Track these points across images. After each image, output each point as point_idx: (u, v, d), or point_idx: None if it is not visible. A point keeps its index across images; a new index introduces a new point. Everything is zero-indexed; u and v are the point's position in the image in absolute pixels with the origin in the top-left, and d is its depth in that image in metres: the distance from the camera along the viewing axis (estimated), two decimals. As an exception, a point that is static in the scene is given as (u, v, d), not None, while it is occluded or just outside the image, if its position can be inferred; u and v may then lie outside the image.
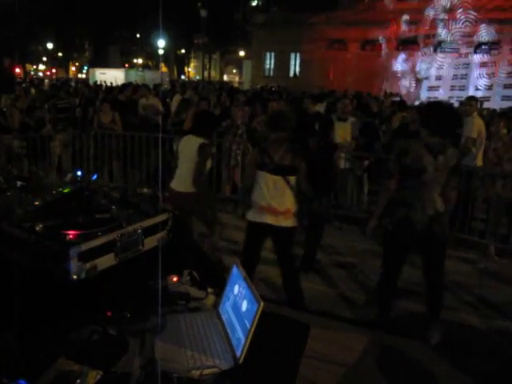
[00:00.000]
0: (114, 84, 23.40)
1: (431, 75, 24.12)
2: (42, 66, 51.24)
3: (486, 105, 17.55)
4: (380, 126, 8.08)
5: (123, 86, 10.00)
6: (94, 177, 2.69)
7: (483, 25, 22.04)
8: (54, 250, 1.85)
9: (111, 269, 1.96)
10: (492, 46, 22.06)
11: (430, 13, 23.58)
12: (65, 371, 1.45)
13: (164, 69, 43.79)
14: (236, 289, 1.69)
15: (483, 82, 22.56)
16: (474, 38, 22.52)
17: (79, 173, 2.52)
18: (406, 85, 24.38)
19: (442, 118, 3.34)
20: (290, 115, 3.91)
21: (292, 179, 3.61)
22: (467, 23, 22.63)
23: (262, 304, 1.48)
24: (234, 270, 1.75)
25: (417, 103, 16.00)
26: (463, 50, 23.04)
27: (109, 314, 1.77)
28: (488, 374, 3.23)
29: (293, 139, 3.72)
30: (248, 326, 1.51)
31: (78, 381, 1.39)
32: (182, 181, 4.30)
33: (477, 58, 22.62)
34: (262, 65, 31.06)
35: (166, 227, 2.21)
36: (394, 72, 24.94)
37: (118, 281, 1.96)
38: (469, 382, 3.06)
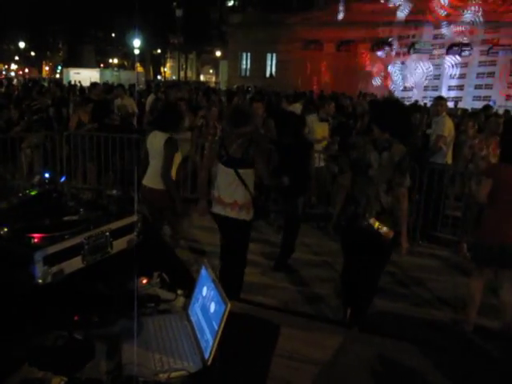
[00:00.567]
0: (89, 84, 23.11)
1: (405, 76, 24.52)
2: (14, 66, 50.12)
3: (458, 105, 17.95)
4: (355, 126, 8.19)
5: (92, 85, 9.85)
6: (63, 179, 2.64)
7: (455, 27, 22.50)
8: (18, 253, 1.81)
9: (79, 272, 1.93)
10: (463, 47, 22.54)
11: (403, 14, 23.95)
12: (28, 379, 1.42)
13: (140, 69, 43.37)
14: (204, 290, 1.68)
15: (455, 83, 23.04)
16: (446, 39, 22.97)
17: (47, 175, 2.47)
18: (380, 85, 24.70)
19: (392, 115, 3.35)
20: (250, 111, 4.01)
21: (244, 172, 3.63)
22: (440, 25, 23.07)
23: (229, 305, 1.47)
24: (203, 271, 1.74)
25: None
26: (436, 52, 23.49)
27: (76, 318, 1.74)
28: (462, 370, 3.29)
29: (253, 134, 3.77)
30: (216, 327, 1.50)
31: (41, 388, 1.37)
32: (152, 177, 4.30)
33: (449, 59, 23.09)
34: (239, 65, 31.03)
35: (135, 229, 2.18)
36: (368, 72, 25.24)
37: (85, 284, 1.92)
38: (443, 378, 3.12)
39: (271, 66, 29.84)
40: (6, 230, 1.89)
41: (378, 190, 3.25)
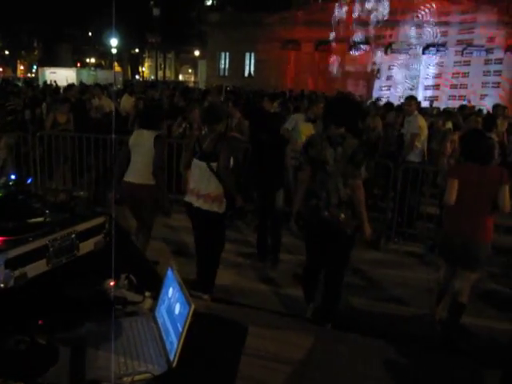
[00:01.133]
0: (66, 84, 22.76)
1: (382, 75, 24.80)
2: (-13, 65, 49.01)
3: (434, 104, 18.23)
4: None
5: (68, 86, 9.73)
6: (29, 180, 2.59)
7: (430, 27, 22.85)
8: (-21, 257, 1.76)
9: (43, 275, 1.89)
10: (439, 47, 22.90)
11: (380, 14, 24.21)
12: (-14, 385, 1.39)
13: (117, 68, 42.90)
14: (170, 292, 1.67)
15: (431, 82, 23.41)
16: (422, 39, 23.32)
17: (13, 176, 2.42)
18: (358, 84, 24.93)
19: (345, 111, 3.50)
20: (224, 110, 4.25)
21: (215, 165, 3.77)
22: (416, 25, 23.40)
23: (193, 306, 1.46)
24: (169, 272, 1.73)
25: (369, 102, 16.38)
26: (412, 51, 23.81)
27: (39, 322, 1.71)
28: (432, 363, 3.35)
29: (225, 130, 4.01)
30: (180, 329, 1.49)
31: (-1, 395, 1.33)
32: (138, 174, 4.35)
33: (425, 59, 23.44)
34: (217, 65, 30.94)
35: (102, 230, 2.15)
36: (346, 72, 25.45)
37: (50, 287, 1.89)
38: (416, 371, 3.17)
39: (250, 65, 29.84)
40: (-33, 233, 1.84)
41: (336, 184, 3.39)
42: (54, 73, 31.87)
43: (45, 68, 34.06)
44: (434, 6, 22.59)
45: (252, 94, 12.45)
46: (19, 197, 2.22)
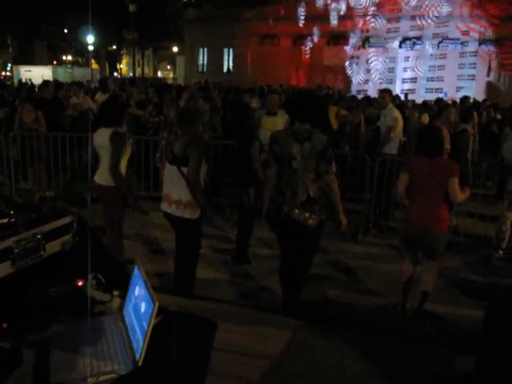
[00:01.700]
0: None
1: (360, 69, 24.95)
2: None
3: (412, 97, 18.41)
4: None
5: (43, 83, 9.57)
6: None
7: (406, 21, 23.05)
8: None
9: (8, 277, 1.86)
10: (415, 40, 23.12)
11: (357, 8, 24.32)
12: None
13: (95, 66, 42.27)
14: (137, 290, 1.66)
15: (408, 76, 23.65)
16: (399, 33, 23.51)
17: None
18: (336, 78, 25.03)
19: (307, 106, 3.43)
20: (198, 112, 4.04)
21: (186, 170, 3.66)
22: (393, 19, 23.57)
23: (156, 304, 1.46)
24: (136, 271, 1.71)
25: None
26: (389, 45, 23.99)
27: (4, 325, 1.68)
28: (404, 353, 3.39)
29: (199, 133, 3.84)
30: (146, 327, 1.48)
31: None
32: (101, 174, 4.30)
33: (401, 52, 23.65)
34: (196, 60, 30.70)
35: (70, 230, 2.12)
36: (325, 66, 25.52)
37: (16, 290, 1.86)
38: (389, 362, 3.20)
39: (228, 61, 29.69)
40: None
41: (304, 179, 3.35)
42: (30, 71, 31.32)
43: (20, 66, 33.40)
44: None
45: (228, 89, 12.35)
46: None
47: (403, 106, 9.21)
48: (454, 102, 9.48)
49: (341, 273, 4.85)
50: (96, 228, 3.71)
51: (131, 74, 44.32)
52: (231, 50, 29.19)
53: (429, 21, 22.26)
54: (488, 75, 21.48)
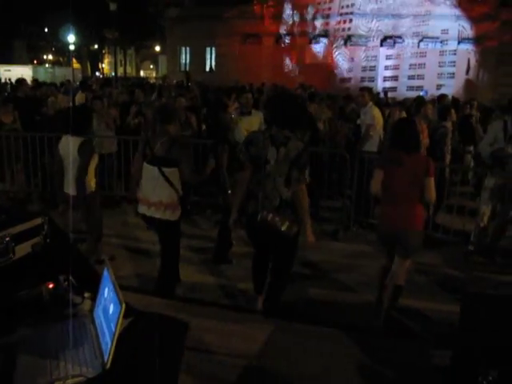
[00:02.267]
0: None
1: (342, 67, 25.09)
2: None
3: (393, 95, 18.58)
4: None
5: (17, 81, 9.44)
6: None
7: (387, 20, 23.25)
8: None
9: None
10: (396, 39, 23.34)
11: (338, 7, 24.46)
12: None
13: (76, 65, 41.75)
14: (106, 292, 1.64)
15: (389, 74, 23.87)
16: (380, 31, 23.69)
17: None
18: (319, 77, 25.10)
19: (287, 112, 3.34)
20: (176, 110, 4.07)
21: (168, 171, 3.60)
22: (373, 18, 23.75)
23: (123, 306, 1.44)
24: (105, 272, 1.69)
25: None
26: (371, 44, 24.17)
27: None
28: (385, 350, 3.41)
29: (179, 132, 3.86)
30: (113, 329, 1.46)
31: None
32: (70, 184, 4.25)
33: (383, 50, 23.85)
34: (178, 60, 30.51)
35: (41, 232, 2.08)
36: (307, 65, 25.61)
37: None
38: (368, 360, 3.22)
39: (211, 60, 29.58)
40: None
41: (276, 184, 3.26)
42: (9, 70, 30.80)
43: (-1, 66, 32.86)
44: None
45: (206, 88, 12.28)
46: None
47: (387, 105, 9.21)
48: (434, 100, 9.58)
49: (321, 271, 4.87)
50: (76, 231, 3.69)
51: (113, 74, 43.92)
52: (213, 49, 29.10)
53: (409, 19, 22.48)
54: (467, 73, 21.77)
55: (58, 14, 32.77)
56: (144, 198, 3.71)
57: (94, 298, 1.83)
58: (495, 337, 2.60)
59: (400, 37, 23.12)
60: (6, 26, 38.31)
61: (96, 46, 46.52)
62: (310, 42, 25.59)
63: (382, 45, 23.76)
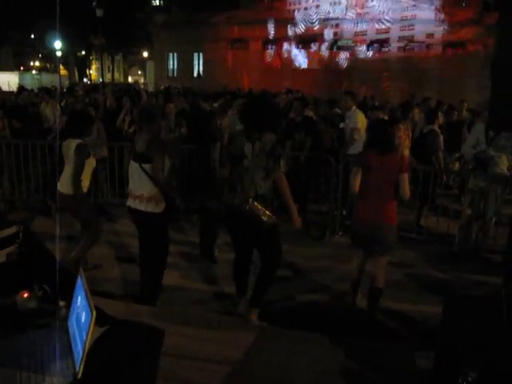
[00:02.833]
0: (8, 89, 21.97)
1: (329, 71, 25.20)
2: None
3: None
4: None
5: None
6: None
7: (373, 24, 23.45)
8: None
9: None
10: (382, 44, 23.54)
11: (324, 12, 24.63)
12: None
13: (64, 71, 41.53)
14: (79, 300, 1.62)
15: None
16: (366, 36, 23.88)
17: None
18: (306, 82, 25.20)
19: (260, 118, 3.51)
20: (156, 111, 4.16)
21: (147, 167, 3.78)
22: (358, 22, 23.95)
23: (94, 314, 1.43)
24: (79, 280, 1.68)
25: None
26: (357, 48, 24.33)
27: None
28: (360, 353, 3.42)
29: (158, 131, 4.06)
30: (85, 337, 1.45)
31: None
32: (64, 182, 4.45)
33: (369, 55, 24.02)
34: (165, 65, 30.48)
35: (16, 241, 2.06)
36: (294, 69, 25.72)
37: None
38: (348, 363, 3.22)
39: (198, 65, 29.59)
40: None
41: (254, 177, 3.47)
42: (-5, 77, 30.54)
43: (-16, 72, 32.57)
44: (375, 3, 23.19)
45: (195, 95, 12.28)
46: None
47: (375, 108, 9.22)
48: (418, 104, 9.69)
49: (306, 274, 4.87)
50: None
51: (101, 80, 43.74)
52: (201, 55, 29.13)
53: (395, 24, 22.69)
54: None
55: (44, 21, 32.59)
56: (130, 192, 3.93)
57: (68, 307, 1.81)
58: (475, 337, 2.62)
59: (386, 41, 23.32)
60: (-9, 33, 38.01)
61: (83, 52, 46.33)
62: (298, 47, 25.72)
63: (368, 49, 23.93)
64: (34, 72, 42.34)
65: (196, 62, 29.54)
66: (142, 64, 45.88)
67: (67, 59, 43.69)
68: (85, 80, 44.89)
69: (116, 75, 47.09)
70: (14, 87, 21.13)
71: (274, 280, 3.76)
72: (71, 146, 4.39)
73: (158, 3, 43.54)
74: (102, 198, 6.89)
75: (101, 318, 1.75)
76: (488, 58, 18.21)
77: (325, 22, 24.59)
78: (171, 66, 30.55)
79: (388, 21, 22.99)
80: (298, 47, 25.73)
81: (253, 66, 26.06)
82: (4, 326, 1.75)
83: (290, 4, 26.06)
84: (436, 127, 6.50)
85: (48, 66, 49.23)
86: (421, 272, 5.06)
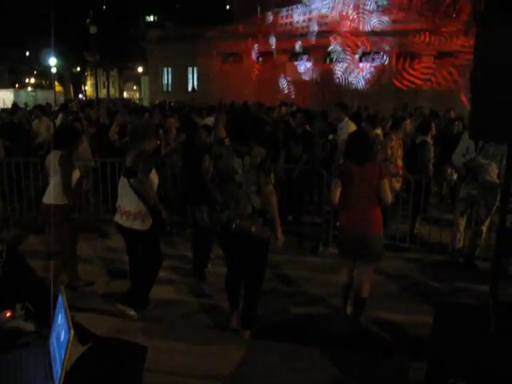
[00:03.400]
0: (3, 106, 22.03)
1: (322, 84, 25.36)
2: None
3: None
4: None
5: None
6: None
7: (365, 36, 23.68)
8: None
9: None
10: (374, 55, 23.76)
11: (316, 25, 24.88)
12: None
13: (59, 88, 41.71)
14: (59, 319, 1.61)
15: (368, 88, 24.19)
16: (359, 48, 24.10)
17: None
18: (300, 94, 25.37)
19: (245, 132, 3.51)
20: (149, 129, 4.15)
21: (134, 181, 3.80)
22: (352, 34, 24.18)
23: (72, 332, 1.42)
24: (59, 299, 1.67)
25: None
26: (350, 60, 24.54)
27: None
28: (352, 364, 3.40)
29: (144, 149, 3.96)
30: (63, 356, 1.44)
31: None
32: (49, 193, 4.44)
33: (362, 66, 24.23)
34: (160, 80, 30.70)
35: (-1, 260, 2.05)
36: (288, 82, 25.90)
37: None
38: (340, 374, 3.20)
39: (193, 79, 29.79)
40: None
41: (247, 192, 3.44)
42: (-10, 94, 30.61)
43: (-21, 90, 32.66)
44: (368, 16, 23.44)
45: (191, 109, 12.35)
46: None
47: (369, 118, 9.24)
48: (411, 114, 9.75)
49: (299, 287, 4.85)
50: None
51: (95, 95, 43.94)
52: (195, 69, 29.33)
53: (387, 36, 22.92)
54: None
55: (39, 38, 32.81)
56: (118, 207, 3.95)
57: (50, 326, 1.80)
58: (464, 347, 2.61)
59: (378, 52, 23.53)
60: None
61: (78, 69, 46.59)
62: (290, 60, 25.92)
63: (361, 60, 24.14)
64: (29, 89, 42.51)
65: (190, 77, 29.75)
66: (137, 79, 46.14)
67: (62, 76, 43.95)
68: (80, 96, 45.08)
69: (111, 91, 47.32)
70: (8, 104, 21.18)
71: (261, 295, 3.74)
72: (54, 156, 4.40)
73: (151, 19, 44.02)
74: (93, 212, 6.84)
75: (83, 336, 1.75)
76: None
77: (318, 34, 24.80)
78: (166, 81, 30.75)
79: (379, 33, 23.22)
80: (291, 59, 25.93)
81: (247, 79, 26.23)
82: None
83: (283, 17, 26.33)
84: (429, 138, 6.49)
85: (43, 82, 49.46)
86: (414, 281, 5.05)
